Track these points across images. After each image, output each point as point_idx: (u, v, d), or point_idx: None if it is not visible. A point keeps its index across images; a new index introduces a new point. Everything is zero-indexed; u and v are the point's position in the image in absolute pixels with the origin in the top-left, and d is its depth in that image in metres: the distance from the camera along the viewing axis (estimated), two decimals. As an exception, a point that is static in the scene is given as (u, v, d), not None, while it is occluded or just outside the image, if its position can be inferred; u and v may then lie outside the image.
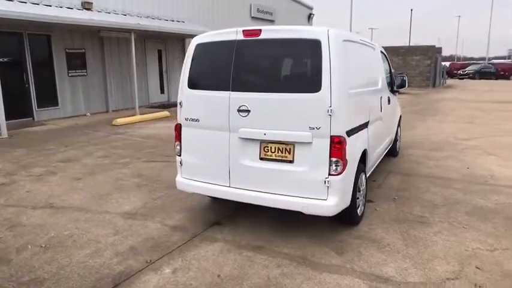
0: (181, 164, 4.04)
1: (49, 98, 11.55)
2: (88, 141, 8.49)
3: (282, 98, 3.38)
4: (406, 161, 6.53)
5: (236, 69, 3.57)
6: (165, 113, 12.28)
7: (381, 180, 5.46)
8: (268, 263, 3.31)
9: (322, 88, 3.23)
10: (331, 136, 3.27)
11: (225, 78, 3.64)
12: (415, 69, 24.20)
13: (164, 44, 15.43)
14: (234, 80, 3.57)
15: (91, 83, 12.63)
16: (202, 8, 17.13)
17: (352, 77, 3.61)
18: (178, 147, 4.06)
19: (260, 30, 3.47)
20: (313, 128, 3.29)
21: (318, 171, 3.33)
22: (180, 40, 16.05)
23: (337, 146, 3.26)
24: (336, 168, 3.29)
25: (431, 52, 24.40)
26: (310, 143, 3.32)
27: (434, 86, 25.05)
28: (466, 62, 52.77)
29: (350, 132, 3.44)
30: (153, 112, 12.33)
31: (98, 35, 12.26)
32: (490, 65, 34.10)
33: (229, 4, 18.91)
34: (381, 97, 4.93)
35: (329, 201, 3.34)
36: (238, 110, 3.55)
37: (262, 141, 3.54)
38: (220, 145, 3.72)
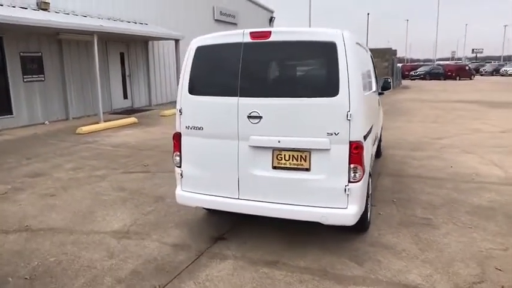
0: (181, 176, 3.73)
1: (1, 105, 10.55)
2: (54, 151, 7.80)
3: (297, 103, 3.20)
4: (391, 162, 6.60)
5: (244, 73, 3.34)
6: (132, 119, 11.68)
7: (374, 183, 5.44)
8: (289, 279, 3.11)
9: (340, 92, 3.10)
10: (350, 142, 3.14)
11: (232, 83, 3.40)
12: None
13: (127, 47, 14.73)
14: (243, 85, 3.34)
15: (49, 89, 11.73)
16: (165, 10, 16.59)
17: (362, 80, 3.51)
18: (177, 158, 3.75)
19: (269, 32, 3.28)
20: (332, 134, 3.14)
21: (337, 178, 3.19)
22: (143, 43, 15.41)
23: (356, 151, 3.14)
24: (355, 175, 3.17)
25: (388, 54, 25.43)
26: (328, 149, 3.17)
27: (392, 87, 26.07)
28: (415, 63, 55.72)
29: (365, 137, 3.34)
30: (118, 119, 11.67)
31: (56, 37, 11.43)
32: (439, 66, 36.20)
33: (192, 6, 18.49)
34: (378, 99, 4.92)
35: (349, 210, 3.21)
36: (249, 117, 3.32)
37: (275, 149, 3.33)
38: (228, 154, 3.46)
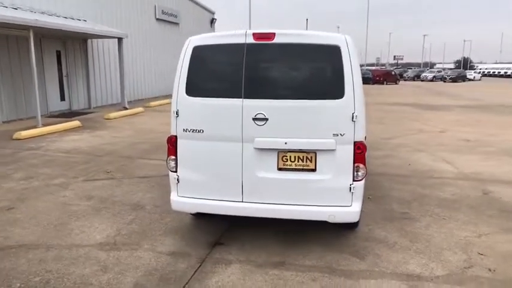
0: (178, 181, 3.57)
1: None
2: (-6, 160, 6.95)
3: (304, 105, 3.26)
4: (354, 161, 6.96)
5: (248, 75, 3.31)
6: (76, 122, 10.82)
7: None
8: (300, 278, 3.15)
9: (345, 94, 3.22)
10: (354, 142, 3.27)
11: (235, 84, 3.35)
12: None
13: (64, 45, 13.62)
14: (247, 87, 3.31)
15: (-25, 90, 10.41)
16: (105, 6, 15.65)
17: None
18: (172, 162, 3.59)
19: (274, 33, 3.29)
20: (337, 135, 3.25)
21: (343, 178, 3.31)
22: (82, 41, 14.38)
23: (360, 151, 3.28)
24: (359, 174, 3.31)
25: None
26: (334, 150, 3.28)
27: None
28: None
29: (365, 137, 3.50)
30: (59, 122, 10.73)
31: (-16, 31, 10.18)
32: (368, 71, 38.92)
33: (134, 4, 17.70)
34: None
35: (353, 208, 3.34)
36: (254, 119, 3.30)
37: (280, 151, 3.35)
38: (231, 157, 3.40)
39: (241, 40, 3.35)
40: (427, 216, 4.40)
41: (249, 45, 3.32)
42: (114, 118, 12.30)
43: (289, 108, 3.27)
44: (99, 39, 15.06)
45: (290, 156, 3.34)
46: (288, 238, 3.84)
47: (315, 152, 3.31)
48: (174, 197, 3.63)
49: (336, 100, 3.23)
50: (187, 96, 3.46)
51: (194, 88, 3.45)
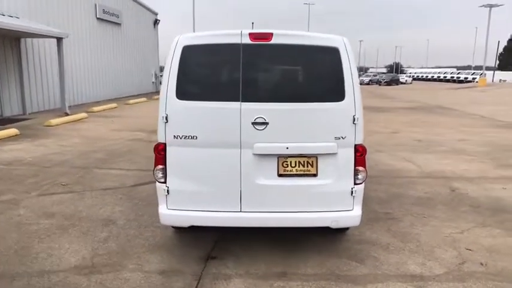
0: (167, 193, 3.26)
1: None
2: None
3: (305, 108, 3.15)
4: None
5: (246, 77, 3.12)
6: (13, 130, 9.69)
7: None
8: (308, 288, 3.02)
9: (346, 97, 3.16)
10: (355, 145, 3.23)
11: (232, 87, 3.14)
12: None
13: (-8, 44, 12.21)
14: (245, 89, 3.11)
15: None
16: (40, 3, 14.34)
17: None
18: (160, 172, 3.27)
19: (271, 34, 3.14)
20: (339, 138, 3.18)
21: (344, 182, 3.24)
22: (14, 40, 13.00)
23: (360, 154, 3.25)
24: (360, 177, 3.27)
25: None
26: (336, 153, 3.20)
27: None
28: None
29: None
30: (-8, 130, 9.55)
31: None
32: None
33: (72, 2, 16.45)
34: None
35: (355, 211, 3.29)
36: (253, 123, 3.12)
37: (280, 156, 3.20)
38: (228, 164, 3.18)
39: (236, 40, 3.15)
40: (409, 215, 4.52)
41: (245, 46, 3.14)
42: (56, 125, 11.25)
43: (290, 112, 3.14)
44: (35, 39, 13.76)
45: (291, 162, 3.21)
46: (282, 246, 3.69)
47: (316, 156, 3.21)
48: (163, 210, 3.31)
49: (337, 103, 3.17)
50: (178, 100, 3.17)
51: (186, 91, 3.18)
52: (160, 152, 3.26)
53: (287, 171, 3.22)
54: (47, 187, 5.53)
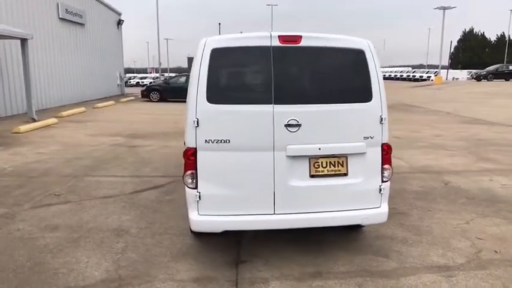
0: (199, 199, 3.20)
1: None
2: None
3: (336, 109, 3.21)
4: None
5: (277, 79, 3.13)
6: (-20, 139, 9.03)
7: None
8: (347, 286, 3.09)
9: (373, 97, 3.26)
10: (382, 144, 3.34)
11: (263, 89, 3.15)
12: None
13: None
14: (277, 92, 3.12)
15: None
16: (-1, 2, 13.44)
17: None
18: (190, 178, 3.21)
19: (300, 36, 3.17)
20: (368, 138, 3.28)
21: (373, 180, 3.34)
22: (-28, 42, 12.09)
23: (387, 153, 3.36)
24: (387, 175, 3.39)
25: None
26: (365, 153, 3.29)
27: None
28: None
29: None
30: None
31: None
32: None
33: (32, 1, 15.55)
34: None
35: (382, 208, 3.41)
36: (286, 125, 3.13)
37: (311, 157, 3.24)
38: (261, 167, 3.18)
39: (266, 43, 3.15)
40: (414, 209, 4.73)
41: (275, 48, 3.15)
42: (26, 132, 10.59)
43: (322, 113, 3.19)
44: (-6, 40, 12.87)
45: (322, 162, 3.26)
46: (305, 246, 3.74)
47: (346, 156, 3.28)
48: (194, 216, 3.24)
49: (365, 103, 3.26)
50: (209, 104, 3.12)
51: (217, 95, 3.14)
52: (190, 157, 3.19)
53: (319, 171, 3.26)
54: (39, 198, 5.21)
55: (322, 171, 3.27)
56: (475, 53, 60.75)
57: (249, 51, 3.19)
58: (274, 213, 3.24)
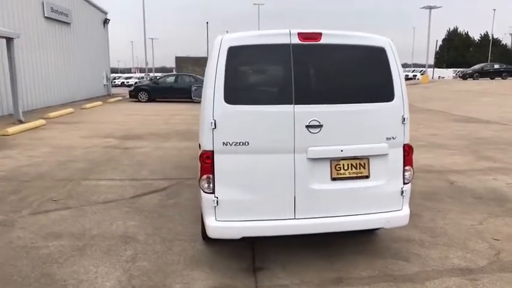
0: (217, 204, 3.06)
1: None
2: None
3: (358, 110, 3.11)
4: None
5: (298, 78, 3.01)
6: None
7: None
8: (372, 292, 2.99)
9: (395, 97, 3.18)
10: (404, 145, 3.26)
11: (283, 89, 3.03)
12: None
13: None
14: (298, 91, 3.00)
15: None
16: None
17: None
18: (207, 183, 3.06)
19: (320, 34, 3.06)
20: (390, 138, 3.19)
21: (395, 182, 3.26)
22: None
23: (408, 153, 3.28)
24: (408, 177, 3.31)
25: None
26: (387, 154, 3.20)
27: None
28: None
29: None
30: None
31: None
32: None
33: (17, 0, 15.05)
34: None
35: (404, 211, 3.33)
36: (308, 126, 3.02)
37: (333, 160, 3.13)
38: (281, 170, 3.06)
39: (285, 40, 3.03)
40: (426, 210, 4.68)
41: (296, 46, 3.03)
42: (14, 134, 10.22)
43: (344, 113, 3.08)
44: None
45: (343, 165, 3.15)
46: (321, 251, 3.63)
47: (367, 157, 3.19)
48: (211, 222, 3.09)
49: (388, 103, 3.17)
50: (226, 105, 2.98)
51: (235, 95, 3.00)
52: (206, 160, 3.05)
53: (340, 174, 3.16)
54: (37, 204, 4.97)
55: (343, 174, 3.16)
56: (459, 52, 61.86)
57: (267, 49, 3.07)
58: (294, 218, 3.12)
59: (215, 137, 3.01)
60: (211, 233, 3.13)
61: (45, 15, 17.09)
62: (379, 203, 3.23)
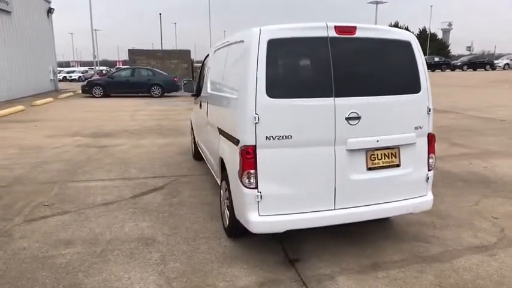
0: (260, 198, 3.03)
1: None
2: None
3: (391, 101, 3.23)
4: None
5: (337, 71, 3.06)
6: None
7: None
8: (408, 273, 3.16)
9: (421, 88, 3.34)
10: (428, 134, 3.44)
11: (322, 82, 3.06)
12: (174, 72, 25.27)
13: None
14: (337, 84, 3.06)
15: None
16: None
17: None
18: (249, 178, 3.03)
19: (355, 27, 3.13)
20: (417, 128, 3.36)
21: (421, 169, 3.44)
22: None
23: (432, 142, 3.48)
24: (432, 164, 3.51)
25: (187, 56, 26.26)
26: (415, 143, 3.37)
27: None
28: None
29: None
30: None
31: None
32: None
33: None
34: None
35: (428, 196, 3.53)
36: (347, 118, 3.08)
37: (368, 150, 3.23)
38: (322, 162, 3.11)
39: (323, 33, 3.06)
40: (424, 195, 4.98)
41: (333, 39, 3.08)
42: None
43: (380, 105, 3.20)
44: None
45: (377, 155, 3.27)
46: (347, 239, 3.74)
47: (398, 147, 3.33)
48: (254, 218, 3.06)
49: (415, 94, 3.34)
50: (269, 98, 2.96)
51: (277, 88, 2.98)
52: (247, 155, 3.01)
53: (375, 164, 3.27)
54: (27, 210, 4.57)
55: (378, 163, 3.29)
56: (399, 46, 65.44)
57: (306, 41, 3.08)
58: (334, 209, 3.20)
59: (258, 131, 2.97)
60: (255, 228, 3.10)
61: (-16, 3, 15.52)
62: (408, 190, 3.40)
